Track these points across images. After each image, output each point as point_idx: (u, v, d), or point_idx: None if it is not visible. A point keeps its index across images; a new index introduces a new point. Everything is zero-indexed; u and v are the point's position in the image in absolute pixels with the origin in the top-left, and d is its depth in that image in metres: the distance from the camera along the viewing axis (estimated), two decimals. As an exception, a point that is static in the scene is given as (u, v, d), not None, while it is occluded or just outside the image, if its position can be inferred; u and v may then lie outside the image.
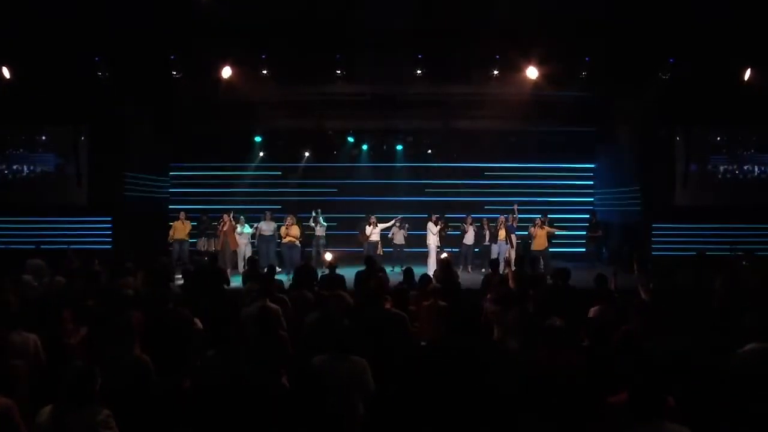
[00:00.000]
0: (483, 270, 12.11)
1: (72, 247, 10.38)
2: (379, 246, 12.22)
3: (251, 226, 12.14)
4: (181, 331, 4.47)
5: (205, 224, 13.19)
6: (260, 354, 4.04)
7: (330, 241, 12.73)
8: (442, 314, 5.40)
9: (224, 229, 11.70)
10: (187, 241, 11.85)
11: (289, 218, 11.77)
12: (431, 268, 10.81)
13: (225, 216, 11.82)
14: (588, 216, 13.84)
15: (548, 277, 7.50)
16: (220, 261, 10.45)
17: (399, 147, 14.64)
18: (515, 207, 12.17)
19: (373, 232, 12.17)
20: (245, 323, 4.78)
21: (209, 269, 7.44)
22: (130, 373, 3.59)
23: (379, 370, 3.83)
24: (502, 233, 12.02)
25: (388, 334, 4.68)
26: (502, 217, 12.17)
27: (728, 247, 10.80)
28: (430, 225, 11.80)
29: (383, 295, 5.22)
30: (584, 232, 13.55)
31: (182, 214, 11.88)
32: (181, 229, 11.84)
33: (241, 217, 12.16)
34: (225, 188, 14.30)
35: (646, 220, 12.08)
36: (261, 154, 14.50)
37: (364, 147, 14.59)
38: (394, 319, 4.90)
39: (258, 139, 14.18)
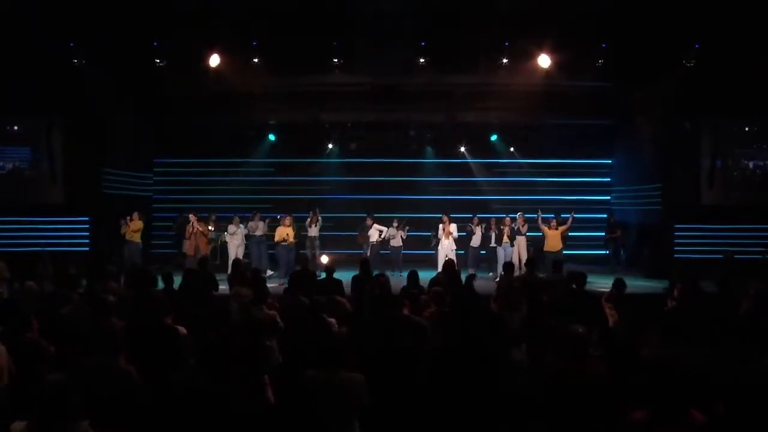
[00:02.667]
0: (491, 274, 12.16)
1: (47, 249, 10.39)
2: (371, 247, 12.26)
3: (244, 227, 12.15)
4: (165, 340, 4.46)
5: (180, 225, 13.18)
6: (243, 366, 4.04)
7: (326, 243, 12.72)
8: (444, 322, 5.38)
9: (192, 231, 11.63)
10: (137, 243, 11.66)
11: (287, 218, 11.75)
12: None
13: (191, 216, 11.72)
14: (605, 216, 13.84)
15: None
16: (189, 266, 10.38)
17: (400, 141, 14.63)
18: (520, 215, 12.15)
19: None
20: (233, 332, 4.78)
21: (199, 273, 7.43)
22: (113, 384, 3.58)
23: (395, 381, 3.80)
24: (507, 237, 12.05)
25: (408, 343, 4.67)
26: (507, 218, 12.19)
27: (759, 249, 10.80)
28: (440, 227, 11.83)
29: (402, 299, 5.22)
30: (600, 233, 13.56)
31: (135, 215, 11.74)
32: (131, 229, 11.59)
33: (236, 216, 12.15)
34: (213, 186, 14.30)
35: (668, 220, 12.06)
36: (254, 150, 14.50)
37: (363, 141, 14.57)
38: (415, 327, 4.89)
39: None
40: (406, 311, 5.11)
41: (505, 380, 3.76)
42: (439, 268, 11.32)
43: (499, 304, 5.61)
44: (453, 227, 11.86)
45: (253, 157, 14.58)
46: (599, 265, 12.64)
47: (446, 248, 11.68)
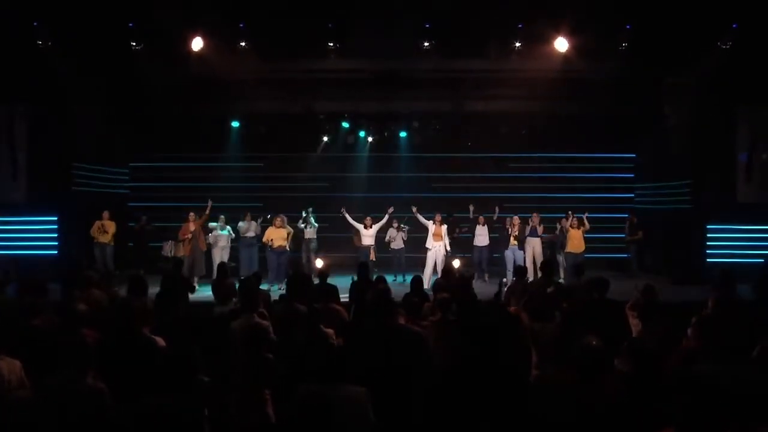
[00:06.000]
0: (504, 280, 12.15)
1: (9, 253, 10.38)
2: (372, 251, 12.21)
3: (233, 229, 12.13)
4: (142, 353, 4.45)
5: (145, 228, 13.17)
6: (243, 380, 4.03)
7: (322, 245, 12.71)
8: (452, 332, 5.36)
9: (191, 229, 11.58)
10: (111, 245, 11.70)
11: (278, 219, 11.73)
12: (428, 279, 11.00)
13: (191, 214, 11.71)
14: (626, 216, 13.84)
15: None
16: (187, 269, 10.39)
17: (403, 134, 14.63)
18: (535, 215, 12.18)
19: (367, 235, 12.16)
20: (225, 342, 4.78)
21: (172, 277, 7.44)
22: (81, 403, 3.57)
23: (390, 400, 3.80)
24: (514, 239, 12.08)
25: (402, 356, 4.66)
26: (515, 218, 12.22)
27: None
28: (433, 227, 11.85)
29: (395, 307, 5.20)
30: (622, 235, 13.57)
31: (105, 214, 11.74)
32: (101, 230, 11.61)
33: (221, 216, 12.14)
34: (196, 183, 14.27)
35: (700, 220, 12.07)
36: (239, 142, 14.49)
37: (362, 134, 14.58)
38: (410, 338, 4.88)
39: (235, 123, 14.15)
40: (402, 320, 5.09)
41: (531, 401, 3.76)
42: (427, 273, 11.46)
43: (527, 312, 5.60)
44: (444, 228, 11.82)
45: (240, 151, 14.58)
46: (620, 269, 12.67)
47: (435, 251, 11.67)
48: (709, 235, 12.07)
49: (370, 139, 14.69)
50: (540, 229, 12.02)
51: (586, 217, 11.80)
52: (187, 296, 7.45)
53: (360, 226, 12.20)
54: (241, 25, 10.47)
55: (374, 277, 8.11)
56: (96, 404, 3.60)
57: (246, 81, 11.89)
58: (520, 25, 10.50)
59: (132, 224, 13.44)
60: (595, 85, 12.21)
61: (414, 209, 12.00)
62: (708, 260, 11.77)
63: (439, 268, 11.54)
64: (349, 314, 6.36)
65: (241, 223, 12.02)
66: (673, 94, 12.31)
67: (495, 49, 11.14)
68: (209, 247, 12.03)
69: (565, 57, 10.53)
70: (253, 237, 11.91)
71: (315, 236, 12.52)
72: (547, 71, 11.12)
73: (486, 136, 14.47)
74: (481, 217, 12.59)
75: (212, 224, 11.96)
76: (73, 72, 11.21)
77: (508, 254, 12.13)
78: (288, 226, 11.82)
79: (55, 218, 11.97)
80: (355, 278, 7.57)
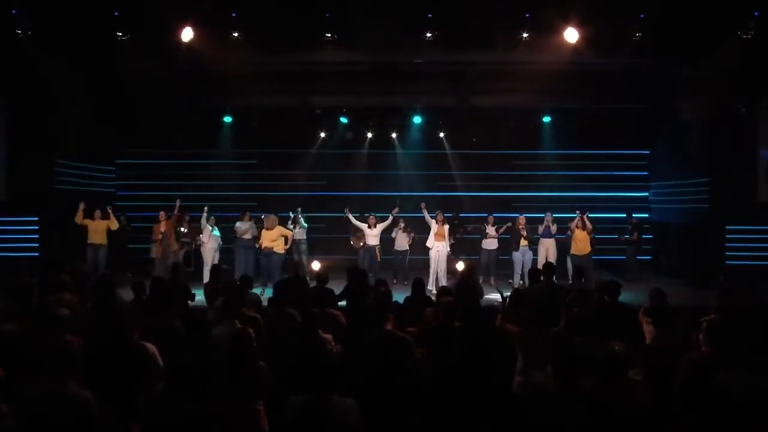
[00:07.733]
0: (510, 281, 12.21)
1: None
2: (378, 252, 12.25)
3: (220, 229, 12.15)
4: (132, 360, 4.47)
5: (125, 228, 13.17)
6: (231, 390, 4.06)
7: (318, 246, 12.73)
8: (455, 336, 5.38)
9: (162, 230, 11.55)
10: (105, 246, 11.69)
11: (269, 218, 11.74)
12: (432, 281, 11.21)
13: (161, 214, 11.64)
14: (625, 216, 13.86)
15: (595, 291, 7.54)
16: (159, 272, 10.35)
17: (404, 130, 14.65)
18: (548, 214, 12.21)
19: (371, 235, 12.21)
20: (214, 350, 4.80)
21: (170, 282, 7.47)
22: (65, 412, 3.59)
23: (389, 404, 3.84)
24: (524, 239, 12.12)
25: (387, 362, 4.70)
26: (521, 217, 12.24)
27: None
28: (435, 226, 11.87)
29: (384, 313, 5.23)
30: (627, 236, 13.62)
31: (98, 213, 11.69)
32: (95, 230, 11.58)
33: (212, 216, 12.14)
34: (185, 180, 14.30)
35: (718, 220, 12.09)
36: (232, 138, 14.52)
37: (360, 129, 14.61)
38: (395, 344, 4.91)
39: (228, 119, 14.16)
40: (390, 325, 5.12)
41: (531, 408, 3.80)
42: (431, 274, 11.50)
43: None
44: (446, 228, 11.86)
45: (232, 147, 14.59)
46: (632, 271, 12.72)
47: (437, 251, 11.71)
48: (728, 236, 12.08)
49: (369, 135, 14.71)
50: (554, 229, 12.02)
51: (587, 217, 11.76)
52: (186, 302, 7.45)
53: (364, 226, 12.18)
54: (234, 15, 10.47)
55: (374, 280, 8.12)
56: (81, 413, 3.62)
57: (239, 74, 11.86)
58: (527, 15, 10.49)
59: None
60: (607, 78, 12.23)
61: (422, 205, 12.00)
62: (727, 262, 11.77)
63: (441, 269, 11.58)
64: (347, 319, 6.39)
65: (238, 224, 11.98)
66: (690, 87, 12.27)
67: (501, 41, 11.12)
68: (199, 248, 12.07)
69: (575, 48, 10.51)
70: (250, 239, 11.83)
71: (305, 237, 12.53)
72: (556, 63, 11.09)
73: (492, 132, 14.50)
74: (490, 216, 12.59)
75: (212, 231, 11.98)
76: (56, 63, 11.15)
77: (517, 256, 12.15)
78: (281, 228, 11.76)
79: (37, 218, 11.97)
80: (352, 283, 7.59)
